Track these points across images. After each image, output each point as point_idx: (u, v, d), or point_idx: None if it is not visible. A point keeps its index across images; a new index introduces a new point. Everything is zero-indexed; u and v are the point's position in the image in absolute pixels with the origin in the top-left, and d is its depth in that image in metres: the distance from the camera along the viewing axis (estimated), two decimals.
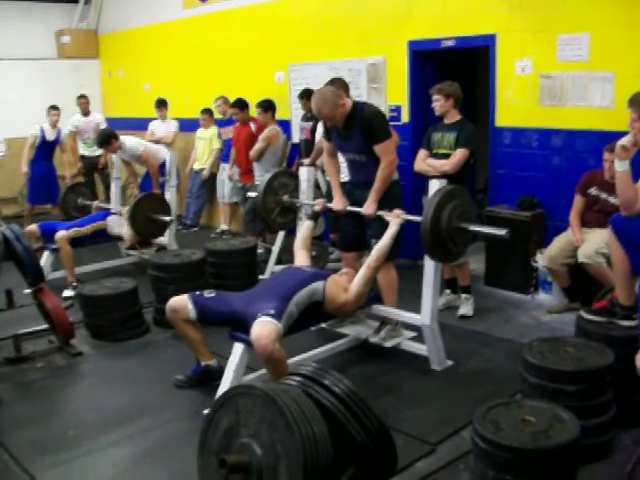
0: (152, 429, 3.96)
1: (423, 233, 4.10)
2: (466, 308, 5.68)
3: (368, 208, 4.76)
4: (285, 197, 5.44)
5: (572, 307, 5.43)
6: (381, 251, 4.46)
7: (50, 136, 9.10)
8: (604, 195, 5.27)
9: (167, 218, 7.02)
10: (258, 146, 7.60)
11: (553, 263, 5.47)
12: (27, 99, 10.52)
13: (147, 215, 6.90)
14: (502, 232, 4.15)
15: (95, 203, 7.88)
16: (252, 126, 8.00)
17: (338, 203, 5.03)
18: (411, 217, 4.57)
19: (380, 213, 4.68)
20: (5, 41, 11.23)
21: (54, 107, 9.10)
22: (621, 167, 3.70)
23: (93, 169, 10.00)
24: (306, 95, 7.65)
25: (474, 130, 5.48)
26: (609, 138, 4.95)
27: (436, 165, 5.44)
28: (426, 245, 4.17)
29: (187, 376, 4.49)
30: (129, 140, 7.62)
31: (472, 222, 4.28)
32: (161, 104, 9.49)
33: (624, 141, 3.65)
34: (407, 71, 7.07)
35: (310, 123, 7.54)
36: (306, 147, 7.59)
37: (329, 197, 5.81)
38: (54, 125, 9.09)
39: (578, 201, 5.45)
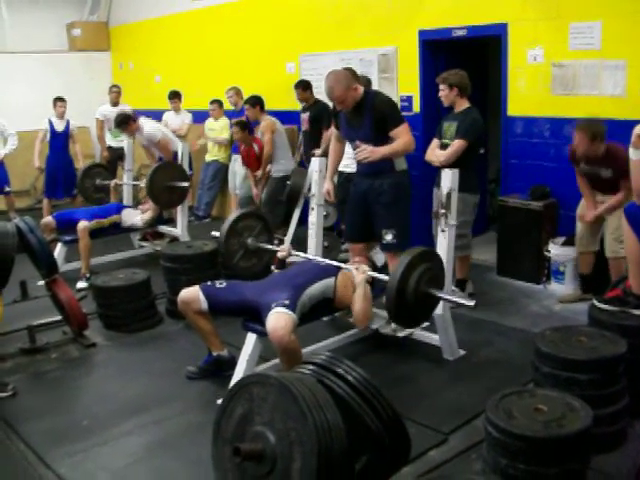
0: (166, 419, 3.99)
1: (387, 294, 3.76)
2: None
3: (371, 151, 4.59)
4: (249, 240, 4.93)
5: (585, 298, 5.37)
6: (357, 317, 4.23)
7: (59, 127, 9.16)
8: (595, 168, 5.11)
9: (185, 184, 7.06)
10: (267, 150, 7.54)
11: (584, 247, 5.44)
12: (38, 92, 10.53)
13: (165, 184, 6.95)
14: (471, 303, 3.88)
15: (114, 181, 7.98)
16: (255, 147, 7.85)
17: (324, 192, 5.08)
18: (376, 275, 4.32)
19: (347, 266, 4.43)
20: (17, 34, 11.29)
21: (60, 99, 9.16)
22: (636, 155, 3.68)
23: (118, 159, 10.02)
24: (302, 85, 7.68)
25: (478, 120, 5.42)
26: (621, 127, 4.91)
27: (437, 155, 5.45)
28: (390, 306, 3.81)
29: (199, 367, 4.51)
30: (149, 125, 7.69)
31: (440, 289, 3.99)
32: (174, 96, 9.49)
33: (639, 129, 3.63)
34: (418, 61, 7.05)
35: (308, 113, 7.56)
36: (305, 138, 7.62)
37: (340, 188, 5.82)
38: (61, 116, 9.15)
39: (577, 172, 5.32)
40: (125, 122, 7.53)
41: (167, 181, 6.98)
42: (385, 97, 4.82)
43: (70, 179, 9.23)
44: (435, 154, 5.50)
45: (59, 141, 9.21)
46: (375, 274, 4.34)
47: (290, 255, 4.98)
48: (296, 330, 3.85)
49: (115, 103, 9.95)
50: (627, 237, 3.90)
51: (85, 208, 7.61)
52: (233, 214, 5.11)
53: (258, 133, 7.77)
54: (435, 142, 5.63)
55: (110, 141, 9.92)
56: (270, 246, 5.01)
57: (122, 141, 9.38)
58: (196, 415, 4.01)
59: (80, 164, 9.41)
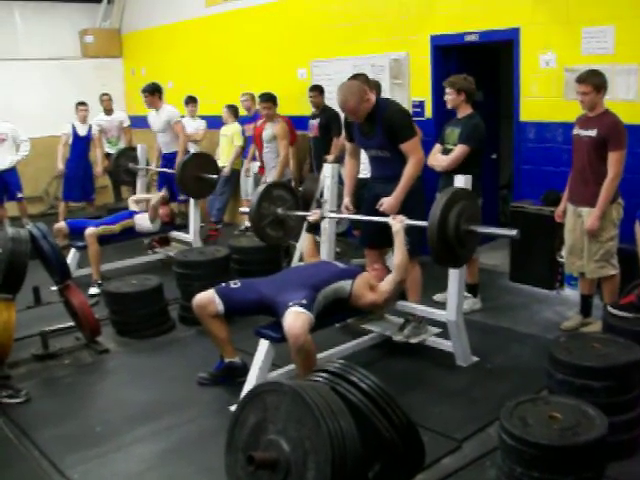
0: (178, 426, 3.99)
1: (430, 239, 3.90)
2: (467, 304, 5.44)
3: (390, 205, 4.64)
4: (280, 210, 5.02)
5: (587, 322, 5.14)
6: (400, 266, 4.34)
7: (82, 132, 9.25)
8: (584, 131, 4.87)
9: (214, 176, 7.19)
10: (285, 154, 7.55)
11: (570, 268, 5.24)
12: (51, 99, 10.61)
13: (195, 174, 7.06)
14: (512, 232, 4.00)
15: (152, 166, 8.11)
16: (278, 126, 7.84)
17: (343, 208, 5.04)
18: (415, 222, 4.38)
19: (383, 219, 4.53)
20: (30, 41, 11.35)
21: (82, 103, 9.23)
22: None
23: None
24: (318, 89, 7.68)
25: (481, 126, 5.38)
26: (635, 132, 4.90)
27: (439, 160, 5.43)
28: (434, 251, 3.94)
29: (210, 373, 4.51)
30: (170, 106, 7.83)
31: (479, 224, 4.10)
32: (191, 101, 9.47)
33: None
34: (430, 66, 7.04)
35: (318, 120, 7.55)
36: (315, 144, 7.62)
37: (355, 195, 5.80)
38: (83, 121, 9.24)
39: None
40: (155, 90, 7.62)
41: (198, 172, 7.08)
42: (396, 108, 4.80)
43: (89, 183, 9.31)
44: (437, 159, 5.49)
45: (81, 145, 9.31)
46: (412, 222, 4.37)
47: (323, 218, 5.01)
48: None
49: (109, 111, 9.95)
50: None
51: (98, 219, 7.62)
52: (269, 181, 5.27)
53: (266, 131, 7.74)
54: (437, 147, 5.61)
55: (108, 149, 9.92)
56: (301, 212, 5.11)
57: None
58: (209, 422, 4.01)
59: (98, 169, 9.47)
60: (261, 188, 5.03)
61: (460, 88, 5.37)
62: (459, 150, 5.28)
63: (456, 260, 4.19)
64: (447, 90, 5.45)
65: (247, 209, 5.16)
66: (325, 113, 7.66)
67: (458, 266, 4.39)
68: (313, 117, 7.78)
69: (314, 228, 5.04)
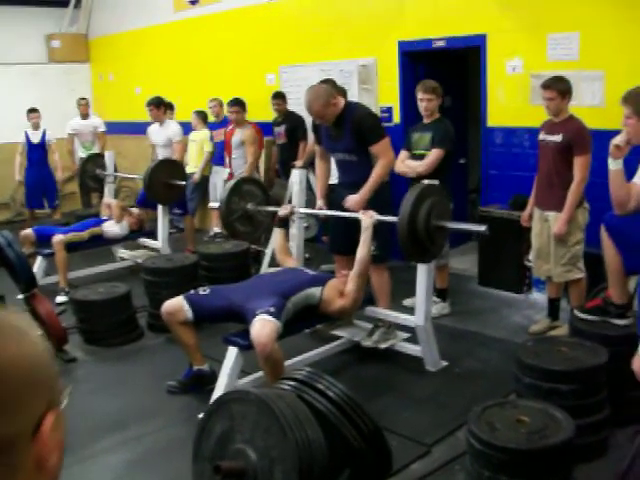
0: (147, 435, 3.95)
1: (400, 234, 3.97)
2: (435, 309, 5.46)
3: (355, 201, 4.65)
4: (250, 205, 5.07)
5: (555, 326, 5.16)
6: (362, 261, 4.33)
7: (35, 139, 9.18)
8: (549, 136, 4.90)
9: (182, 182, 7.19)
10: (252, 161, 7.58)
11: (538, 272, 5.27)
12: (18, 104, 10.46)
13: (163, 181, 7.04)
14: (482, 228, 4.06)
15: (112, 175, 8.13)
16: (246, 132, 7.86)
17: (320, 208, 5.04)
18: (385, 218, 4.41)
19: (354, 215, 4.54)
20: None
21: (33, 110, 9.17)
22: (615, 166, 3.69)
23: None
24: (282, 96, 7.72)
25: (451, 129, 5.41)
26: (600, 137, 4.95)
27: (412, 166, 5.41)
28: (404, 246, 4.02)
29: (179, 381, 4.48)
30: (175, 123, 8.03)
31: (449, 220, 4.18)
32: (167, 107, 9.39)
33: (617, 140, 3.65)
34: (398, 72, 7.07)
35: (284, 126, 7.58)
36: (283, 150, 7.64)
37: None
38: (36, 127, 9.16)
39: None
40: (160, 104, 7.83)
41: (166, 178, 7.06)
42: (365, 111, 4.83)
43: (50, 190, 9.21)
44: (409, 165, 5.46)
45: (36, 153, 9.21)
46: (382, 217, 4.39)
47: (293, 213, 5.02)
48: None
49: (85, 115, 9.88)
50: (607, 248, 3.91)
51: (66, 226, 7.55)
52: (240, 177, 5.36)
53: (235, 137, 7.74)
54: (404, 154, 5.57)
55: (82, 154, 9.80)
56: (272, 207, 5.13)
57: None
58: (177, 430, 3.97)
59: (59, 174, 9.37)
60: (232, 182, 5.08)
61: (440, 93, 5.40)
62: (435, 154, 5.29)
63: (425, 255, 4.24)
64: (428, 96, 5.37)
65: (216, 204, 5.17)
66: (290, 118, 7.69)
67: (427, 261, 4.42)
68: (277, 124, 7.80)
69: (285, 222, 5.05)
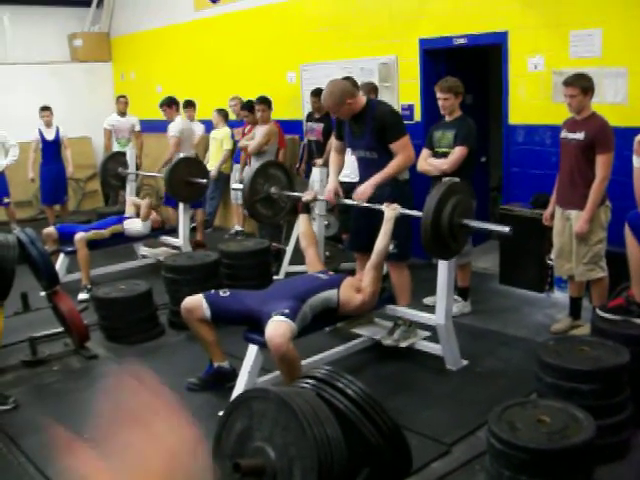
0: None
1: (423, 229, 3.96)
2: (456, 308, 5.45)
3: (360, 192, 4.67)
4: (274, 189, 5.20)
5: (577, 325, 5.13)
6: (380, 252, 4.37)
7: (49, 136, 9.28)
8: (571, 134, 4.87)
9: (203, 180, 7.20)
10: (259, 140, 7.59)
11: (559, 271, 5.25)
12: (41, 103, 10.56)
13: (184, 179, 7.08)
14: (505, 229, 4.04)
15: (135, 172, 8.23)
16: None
17: (330, 192, 4.96)
18: (410, 212, 4.44)
19: (377, 206, 4.55)
20: (18, 45, 11.32)
21: (44, 108, 9.28)
22: (639, 163, 3.66)
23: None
24: (317, 94, 7.65)
25: (474, 127, 5.38)
26: (623, 135, 4.91)
27: (436, 164, 5.38)
28: (425, 241, 4.00)
29: (200, 378, 4.50)
30: (177, 121, 8.21)
31: (472, 218, 4.18)
32: (189, 105, 9.40)
33: None
34: (419, 70, 7.05)
35: (321, 124, 7.52)
36: (317, 148, 7.59)
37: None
38: (48, 125, 9.25)
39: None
40: (171, 103, 8.08)
41: (187, 176, 7.09)
42: (387, 108, 4.82)
43: (61, 186, 9.31)
44: (431, 163, 5.43)
45: (50, 149, 9.34)
46: (407, 211, 4.43)
47: (316, 200, 5.06)
48: (294, 340, 3.83)
49: (122, 113, 10.09)
50: (630, 246, 3.88)
51: (88, 224, 7.62)
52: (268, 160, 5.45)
53: (255, 133, 7.77)
54: (426, 152, 5.56)
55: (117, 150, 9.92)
56: (294, 193, 5.20)
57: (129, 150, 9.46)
58: (197, 428, 3.96)
59: (69, 169, 9.44)
60: (258, 164, 5.17)
61: (457, 92, 5.35)
62: (459, 151, 5.26)
63: (446, 251, 4.23)
64: (445, 95, 5.34)
65: (240, 185, 5.23)
66: (328, 117, 7.66)
67: (448, 258, 4.40)
68: (314, 120, 7.70)
69: (308, 208, 5.09)
